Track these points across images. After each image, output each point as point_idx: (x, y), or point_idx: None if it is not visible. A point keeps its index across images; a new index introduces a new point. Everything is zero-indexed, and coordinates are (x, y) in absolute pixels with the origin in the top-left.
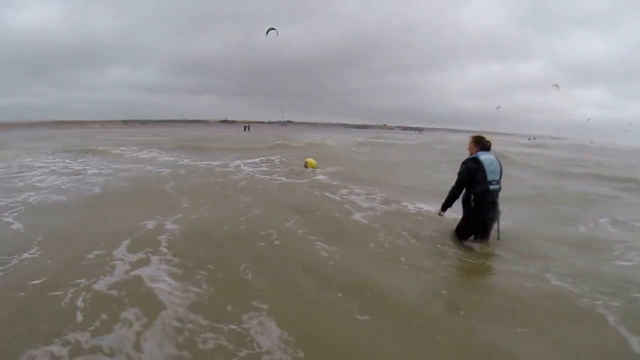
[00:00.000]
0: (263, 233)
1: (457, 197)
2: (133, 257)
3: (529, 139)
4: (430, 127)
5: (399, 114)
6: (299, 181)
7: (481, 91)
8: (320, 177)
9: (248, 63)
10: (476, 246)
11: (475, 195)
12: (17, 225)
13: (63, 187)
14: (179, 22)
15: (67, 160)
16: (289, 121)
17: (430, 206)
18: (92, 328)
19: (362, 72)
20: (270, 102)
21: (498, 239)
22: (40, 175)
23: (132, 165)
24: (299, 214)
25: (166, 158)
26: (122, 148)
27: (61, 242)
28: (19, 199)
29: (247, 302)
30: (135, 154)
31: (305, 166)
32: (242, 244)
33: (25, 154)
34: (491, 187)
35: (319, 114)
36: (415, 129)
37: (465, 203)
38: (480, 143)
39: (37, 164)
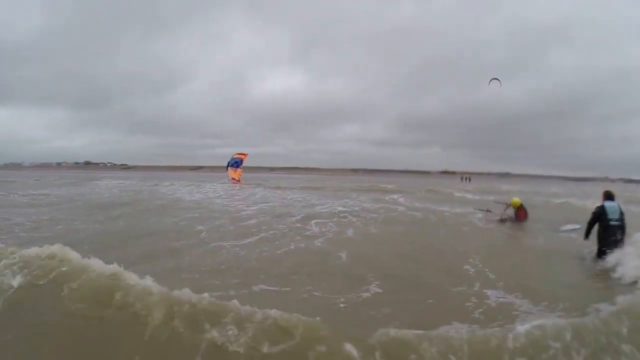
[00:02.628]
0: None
1: (590, 229)
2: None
3: None
4: None
5: (623, 164)
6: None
7: None
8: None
9: (468, 118)
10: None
11: (603, 228)
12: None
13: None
14: (405, 85)
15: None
16: (507, 173)
17: None
18: None
19: (579, 121)
20: (490, 154)
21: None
22: (326, 207)
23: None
24: None
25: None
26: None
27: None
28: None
29: None
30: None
31: (509, 204)
32: None
33: (288, 191)
34: (611, 223)
35: (539, 165)
36: None
37: (598, 234)
38: (606, 195)
39: (313, 200)
